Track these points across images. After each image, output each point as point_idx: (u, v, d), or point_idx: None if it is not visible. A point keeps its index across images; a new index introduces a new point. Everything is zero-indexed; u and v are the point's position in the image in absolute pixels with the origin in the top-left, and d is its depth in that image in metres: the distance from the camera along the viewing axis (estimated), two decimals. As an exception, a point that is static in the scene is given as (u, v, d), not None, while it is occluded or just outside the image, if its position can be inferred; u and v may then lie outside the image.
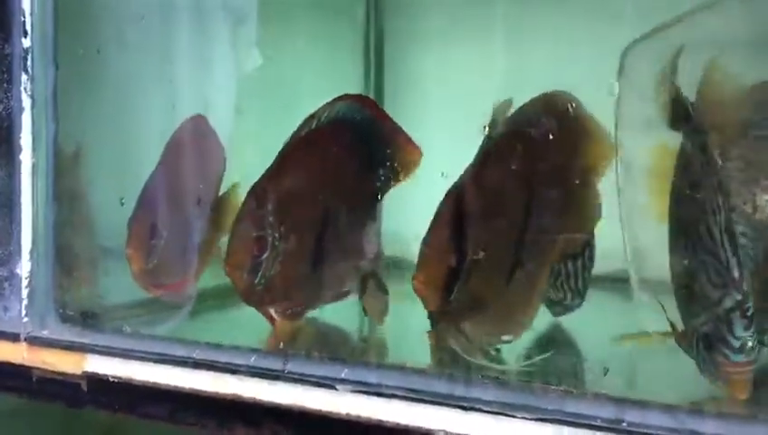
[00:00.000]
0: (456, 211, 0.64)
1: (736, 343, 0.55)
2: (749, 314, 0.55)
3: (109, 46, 0.92)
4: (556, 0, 1.15)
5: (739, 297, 0.55)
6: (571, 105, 0.66)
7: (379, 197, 0.80)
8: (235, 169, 0.95)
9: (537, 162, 0.65)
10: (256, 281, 0.74)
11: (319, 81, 1.23)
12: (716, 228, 0.56)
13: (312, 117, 0.78)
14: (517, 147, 0.66)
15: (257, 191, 0.75)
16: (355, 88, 1.30)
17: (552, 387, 0.58)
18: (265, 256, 0.74)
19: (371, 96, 1.31)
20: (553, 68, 1.12)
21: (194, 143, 0.85)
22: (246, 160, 1.00)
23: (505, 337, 0.67)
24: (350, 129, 0.78)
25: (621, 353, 0.68)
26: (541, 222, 0.65)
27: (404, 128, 0.78)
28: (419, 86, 1.30)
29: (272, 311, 0.78)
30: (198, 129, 0.86)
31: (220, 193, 0.89)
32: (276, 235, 0.74)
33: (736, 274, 0.55)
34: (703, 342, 0.57)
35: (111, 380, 0.76)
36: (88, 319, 0.82)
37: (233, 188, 0.88)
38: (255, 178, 0.78)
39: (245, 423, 0.72)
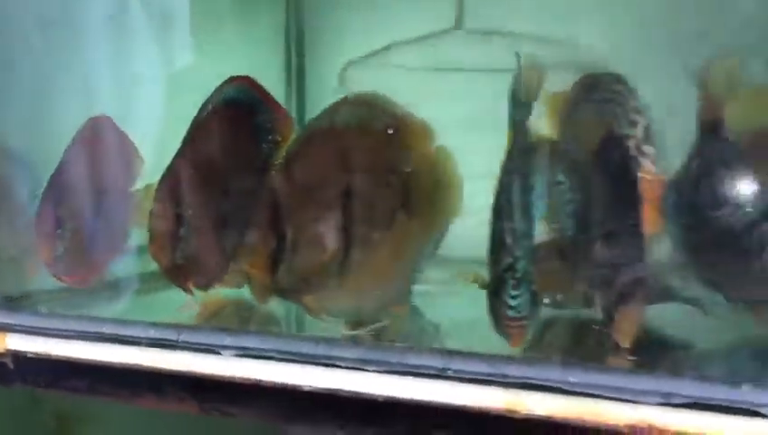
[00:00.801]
0: (273, 199, 0.74)
1: (510, 301, 0.66)
2: (518, 276, 0.66)
3: (25, 46, 1.00)
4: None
5: (510, 260, 0.66)
6: (382, 100, 0.76)
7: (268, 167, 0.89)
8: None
9: (350, 152, 0.74)
10: (177, 256, 0.84)
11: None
12: (505, 200, 0.67)
13: (208, 101, 0.87)
14: (327, 137, 0.75)
15: (170, 174, 0.84)
16: (277, 88, 1.38)
17: (397, 344, 0.68)
18: (182, 231, 0.83)
19: (293, 95, 1.40)
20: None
21: (96, 141, 0.93)
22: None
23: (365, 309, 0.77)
24: (238, 107, 0.88)
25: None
26: (365, 206, 0.74)
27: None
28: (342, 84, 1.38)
29: (190, 284, 0.87)
30: (101, 127, 0.94)
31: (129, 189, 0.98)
32: (189, 211, 0.84)
33: (509, 240, 0.67)
34: (491, 297, 0.67)
35: (30, 356, 0.85)
36: (10, 303, 0.90)
37: (145, 188, 0.97)
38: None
39: (152, 391, 0.81)
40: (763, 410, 0.53)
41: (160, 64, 1.20)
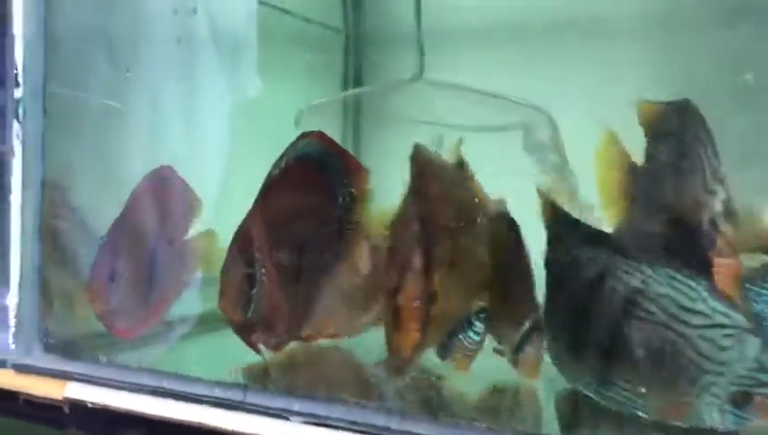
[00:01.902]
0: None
1: None
2: None
3: (96, 88, 1.00)
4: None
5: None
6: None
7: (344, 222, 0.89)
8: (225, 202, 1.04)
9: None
10: (249, 315, 0.82)
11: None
12: None
13: (281, 158, 0.85)
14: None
15: (243, 232, 0.83)
16: (333, 122, 1.37)
17: (477, 424, 0.65)
18: (254, 291, 0.81)
19: (350, 129, 1.39)
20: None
21: (158, 192, 0.93)
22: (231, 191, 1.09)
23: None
24: (312, 163, 0.86)
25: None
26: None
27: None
28: (396, 120, 1.37)
29: (259, 343, 0.85)
30: (161, 178, 0.93)
31: (188, 237, 0.97)
32: (263, 270, 0.82)
33: None
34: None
35: (90, 405, 0.83)
36: (69, 348, 0.89)
37: (205, 234, 0.96)
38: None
39: (211, 449, 0.79)
40: None
41: (225, 96, 1.20)
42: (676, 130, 0.71)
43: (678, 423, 0.65)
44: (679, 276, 0.63)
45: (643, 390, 0.66)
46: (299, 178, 0.85)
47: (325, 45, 1.39)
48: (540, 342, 0.79)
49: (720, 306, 0.62)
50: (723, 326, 0.62)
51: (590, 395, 0.71)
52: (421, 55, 1.20)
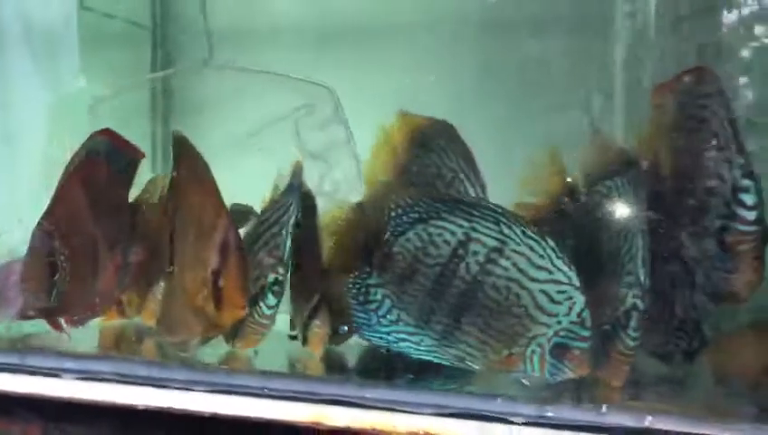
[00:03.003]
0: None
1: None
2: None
3: None
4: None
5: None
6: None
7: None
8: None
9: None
10: (52, 299, 0.89)
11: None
12: None
13: (75, 155, 0.96)
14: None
15: (43, 225, 0.91)
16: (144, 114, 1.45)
17: (222, 366, 0.76)
18: (57, 277, 0.90)
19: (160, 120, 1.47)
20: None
21: None
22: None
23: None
24: (102, 157, 0.97)
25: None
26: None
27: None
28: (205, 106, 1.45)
29: (62, 321, 0.93)
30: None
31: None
32: (63, 257, 0.90)
33: None
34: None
35: None
36: None
37: None
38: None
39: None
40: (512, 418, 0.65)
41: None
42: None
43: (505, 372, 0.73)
44: (530, 232, 0.71)
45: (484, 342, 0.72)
46: (90, 172, 0.95)
47: (133, 42, 1.46)
48: (326, 316, 0.86)
49: (562, 265, 0.70)
50: (560, 283, 0.70)
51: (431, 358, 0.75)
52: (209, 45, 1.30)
